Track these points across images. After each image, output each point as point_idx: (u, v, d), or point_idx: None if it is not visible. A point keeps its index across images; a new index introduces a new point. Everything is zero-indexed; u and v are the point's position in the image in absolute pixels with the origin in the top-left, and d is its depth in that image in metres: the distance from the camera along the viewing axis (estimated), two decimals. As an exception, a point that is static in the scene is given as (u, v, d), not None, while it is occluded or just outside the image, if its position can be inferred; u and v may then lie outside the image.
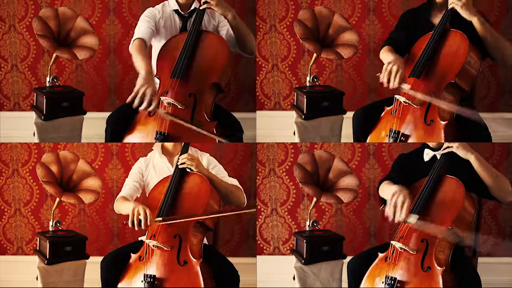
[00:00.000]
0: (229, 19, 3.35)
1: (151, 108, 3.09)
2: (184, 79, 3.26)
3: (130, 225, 3.04)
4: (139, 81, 3.08)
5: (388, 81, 3.06)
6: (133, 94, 3.07)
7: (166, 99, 3.24)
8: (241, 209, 3.31)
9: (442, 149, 3.13)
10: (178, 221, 3.07)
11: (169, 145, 3.35)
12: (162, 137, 3.26)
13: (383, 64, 3.12)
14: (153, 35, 3.39)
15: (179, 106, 3.24)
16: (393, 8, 4.11)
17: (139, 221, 3.03)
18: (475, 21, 3.14)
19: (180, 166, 3.18)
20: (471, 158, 3.05)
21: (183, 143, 3.26)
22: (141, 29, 3.35)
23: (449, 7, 3.18)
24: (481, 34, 3.14)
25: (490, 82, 4.16)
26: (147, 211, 3.03)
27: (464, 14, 3.15)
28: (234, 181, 3.30)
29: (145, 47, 3.29)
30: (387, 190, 3.05)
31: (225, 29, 3.43)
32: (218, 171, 3.31)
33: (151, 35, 3.37)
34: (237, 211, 3.29)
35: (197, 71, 3.29)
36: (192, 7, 3.45)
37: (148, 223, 3.03)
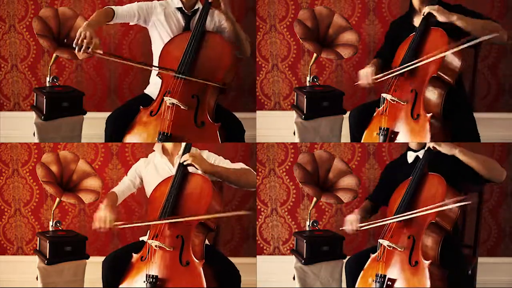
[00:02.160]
0: (228, 21, 3.36)
1: (89, 50, 3.11)
2: (189, 77, 3.26)
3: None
4: (81, 27, 3.14)
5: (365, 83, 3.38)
6: (75, 39, 3.12)
7: (169, 100, 3.24)
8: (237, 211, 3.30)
9: (426, 147, 3.20)
10: None
11: (168, 145, 3.34)
12: (165, 138, 3.25)
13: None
14: (133, 19, 3.39)
15: (182, 107, 3.24)
16: (393, 8, 4.11)
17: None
18: (455, 20, 3.21)
19: (185, 163, 3.17)
20: (456, 153, 3.12)
21: (184, 143, 3.26)
22: (124, 7, 3.36)
23: (425, 12, 3.26)
24: (467, 29, 3.20)
25: (490, 82, 4.16)
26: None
27: (441, 18, 3.22)
28: (240, 165, 3.28)
29: (112, 16, 3.30)
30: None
31: (225, 31, 3.44)
32: (220, 162, 3.30)
33: (129, 17, 3.37)
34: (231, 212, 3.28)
35: (201, 72, 3.29)
36: (196, 7, 3.46)
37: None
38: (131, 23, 3.44)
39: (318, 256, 3.53)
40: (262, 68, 4.19)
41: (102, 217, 3.10)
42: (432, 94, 3.23)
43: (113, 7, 3.33)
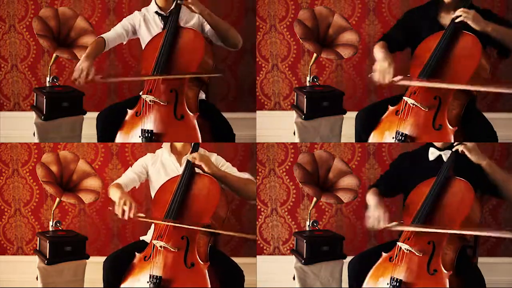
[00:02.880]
0: (206, 17, 3.37)
1: (89, 78, 3.23)
2: (165, 75, 3.28)
3: (116, 212, 3.09)
4: (80, 60, 3.25)
5: (383, 78, 3.14)
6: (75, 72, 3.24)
7: (147, 97, 3.28)
8: (241, 233, 3.33)
9: (453, 149, 3.08)
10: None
11: (178, 144, 3.35)
12: (147, 135, 3.27)
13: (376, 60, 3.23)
14: (124, 38, 3.45)
15: (161, 103, 3.27)
16: (393, 8, 4.11)
17: (123, 211, 3.07)
18: (490, 31, 3.08)
19: (193, 163, 3.16)
20: (483, 164, 3.00)
21: (193, 143, 3.26)
22: (111, 32, 3.43)
23: (457, 20, 3.11)
24: (502, 42, 3.10)
25: (490, 82, 4.15)
26: (133, 204, 3.07)
27: (476, 27, 3.08)
28: (246, 175, 3.30)
29: (102, 47, 3.36)
30: (370, 201, 3.13)
31: (206, 26, 3.46)
32: (228, 168, 3.31)
33: (119, 39, 3.43)
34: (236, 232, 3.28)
35: (176, 66, 3.31)
36: (172, 7, 3.47)
37: (132, 216, 3.06)
38: (124, 43, 3.49)
39: (318, 256, 3.53)
40: (262, 68, 4.19)
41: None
42: (455, 105, 3.10)
43: (103, 35, 3.38)
